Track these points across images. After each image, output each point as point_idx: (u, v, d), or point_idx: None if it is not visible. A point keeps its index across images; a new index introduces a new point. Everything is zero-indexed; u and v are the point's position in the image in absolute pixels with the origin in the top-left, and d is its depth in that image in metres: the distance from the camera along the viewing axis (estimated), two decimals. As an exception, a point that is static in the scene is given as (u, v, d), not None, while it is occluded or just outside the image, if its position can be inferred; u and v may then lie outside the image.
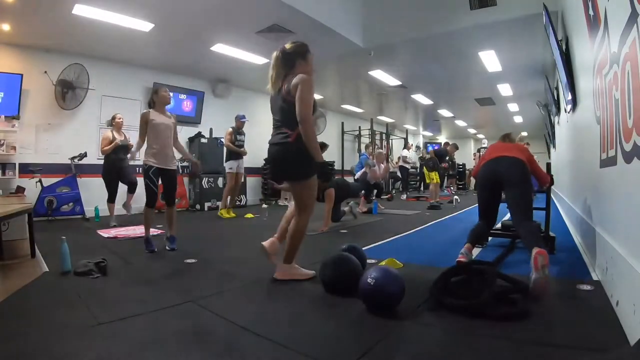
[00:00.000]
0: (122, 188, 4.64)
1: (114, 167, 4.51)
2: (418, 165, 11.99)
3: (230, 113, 7.33)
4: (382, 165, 6.38)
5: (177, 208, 3.44)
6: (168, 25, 4.70)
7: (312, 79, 2.10)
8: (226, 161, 5.67)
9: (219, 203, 6.74)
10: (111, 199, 4.59)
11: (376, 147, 11.03)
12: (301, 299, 1.92)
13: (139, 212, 4.85)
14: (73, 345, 1.36)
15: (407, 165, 10.63)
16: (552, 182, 2.80)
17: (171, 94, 3.58)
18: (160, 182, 3.11)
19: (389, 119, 12.34)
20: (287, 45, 2.18)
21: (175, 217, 3.21)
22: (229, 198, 5.67)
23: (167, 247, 3.10)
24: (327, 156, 9.39)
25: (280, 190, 6.92)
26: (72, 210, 5.19)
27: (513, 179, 2.32)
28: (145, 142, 3.06)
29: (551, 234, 2.91)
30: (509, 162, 2.38)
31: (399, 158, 11.46)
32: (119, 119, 4.63)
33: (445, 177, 10.47)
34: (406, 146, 11.17)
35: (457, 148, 7.72)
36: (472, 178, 13.48)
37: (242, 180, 6.01)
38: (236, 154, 5.53)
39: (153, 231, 3.93)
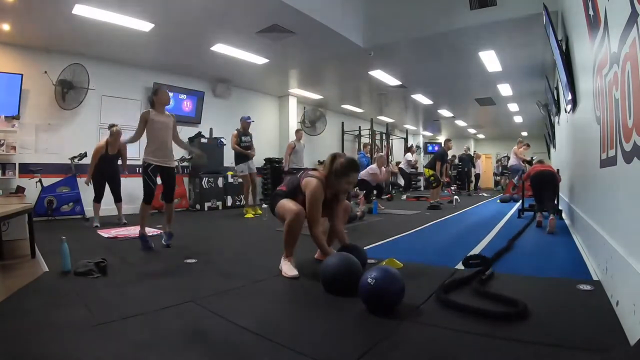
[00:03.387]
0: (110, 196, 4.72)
1: (105, 173, 4.61)
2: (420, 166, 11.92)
3: (230, 113, 7.36)
4: (384, 169, 6.35)
5: (177, 208, 3.50)
6: (168, 25, 4.70)
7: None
8: (236, 164, 5.67)
9: (219, 203, 6.77)
10: (97, 199, 4.62)
11: (376, 148, 10.99)
12: (301, 299, 1.92)
13: (134, 212, 4.86)
14: (73, 345, 1.36)
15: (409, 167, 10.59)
16: (560, 179, 4.57)
17: (171, 94, 3.58)
18: (159, 181, 3.19)
19: (389, 119, 12.33)
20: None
21: (173, 214, 3.32)
22: (250, 198, 5.77)
23: (162, 242, 3.21)
24: (325, 155, 9.32)
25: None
26: (72, 210, 5.20)
27: (548, 184, 4.29)
28: (145, 139, 3.15)
29: (560, 208, 4.78)
30: (548, 173, 4.36)
31: (397, 163, 11.40)
32: (116, 132, 4.58)
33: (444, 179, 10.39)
34: (410, 150, 11.07)
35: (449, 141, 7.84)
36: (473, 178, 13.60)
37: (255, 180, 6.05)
38: (244, 155, 5.53)
39: (152, 231, 3.95)
